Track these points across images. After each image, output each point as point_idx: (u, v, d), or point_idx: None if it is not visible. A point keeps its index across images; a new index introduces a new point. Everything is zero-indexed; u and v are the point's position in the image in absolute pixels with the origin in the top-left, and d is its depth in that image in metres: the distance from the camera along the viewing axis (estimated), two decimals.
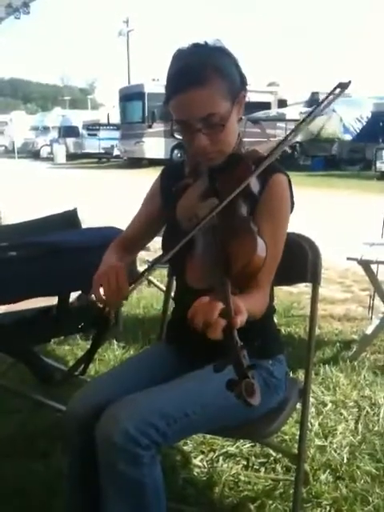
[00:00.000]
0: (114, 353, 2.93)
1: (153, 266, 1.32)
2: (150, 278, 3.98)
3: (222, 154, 1.34)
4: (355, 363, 2.79)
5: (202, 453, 2.04)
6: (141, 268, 3.74)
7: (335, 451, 2.02)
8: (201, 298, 1.05)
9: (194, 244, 1.25)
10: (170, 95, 1.29)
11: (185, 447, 2.04)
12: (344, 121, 17.33)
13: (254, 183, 1.30)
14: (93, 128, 27.24)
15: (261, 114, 18.19)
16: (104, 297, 1.31)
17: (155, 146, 19.26)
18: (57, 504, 1.69)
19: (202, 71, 1.24)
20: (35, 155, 29.83)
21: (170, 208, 1.43)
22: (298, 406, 1.64)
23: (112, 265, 1.36)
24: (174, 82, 1.28)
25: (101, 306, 1.34)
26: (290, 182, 1.38)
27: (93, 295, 1.34)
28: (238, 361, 0.95)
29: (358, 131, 17.19)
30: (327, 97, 1.26)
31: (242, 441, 2.04)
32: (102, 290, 1.31)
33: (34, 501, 1.75)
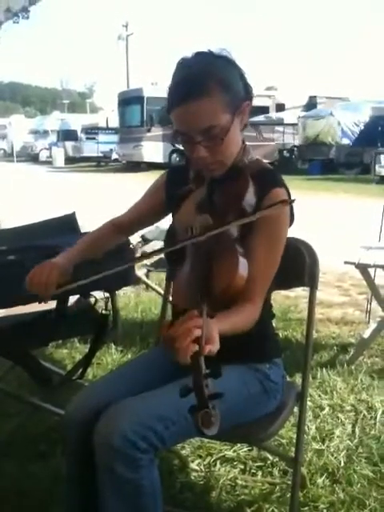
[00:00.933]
0: (112, 357, 2.93)
1: (100, 274, 1.34)
2: (149, 281, 3.99)
3: (222, 165, 1.34)
4: (352, 367, 2.80)
5: (200, 457, 2.04)
6: (139, 272, 3.77)
7: (332, 455, 2.03)
8: (185, 316, 1.07)
9: (184, 260, 1.29)
10: (171, 106, 1.29)
11: (182, 451, 2.04)
12: (342, 125, 17.37)
13: (248, 199, 1.30)
14: (91, 132, 27.25)
15: (261, 117, 18.25)
16: (30, 286, 1.41)
17: (154, 149, 19.29)
18: (55, 506, 1.69)
19: (204, 83, 1.24)
20: (34, 159, 29.85)
21: (173, 212, 1.47)
22: (295, 409, 1.65)
23: (54, 262, 1.45)
24: (176, 93, 1.28)
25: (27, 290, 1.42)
26: (289, 195, 1.37)
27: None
28: (200, 389, 0.95)
29: (356, 135, 17.23)
30: (268, 208, 1.24)
31: (239, 445, 2.05)
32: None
33: (32, 503, 1.75)
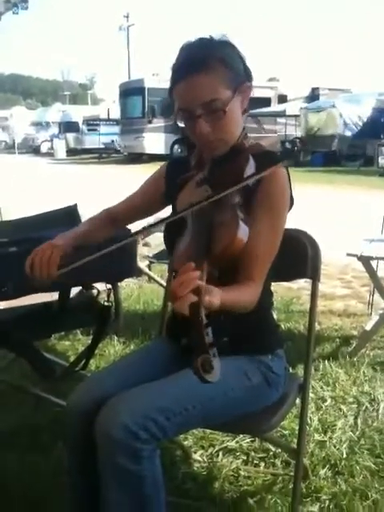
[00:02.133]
0: (114, 348, 2.94)
1: (96, 253, 1.31)
2: (151, 273, 3.99)
3: (224, 144, 1.34)
4: (355, 359, 2.80)
5: (202, 448, 2.05)
6: (141, 264, 3.77)
7: (334, 446, 2.03)
8: (185, 266, 1.07)
9: (184, 230, 1.28)
10: (173, 83, 1.32)
11: (185, 442, 2.05)
12: (344, 116, 17.28)
13: (248, 172, 1.29)
14: (93, 123, 27.18)
15: (264, 110, 18.18)
16: (31, 268, 1.36)
17: (155, 141, 19.24)
18: (57, 497, 1.70)
19: (205, 59, 1.27)
20: (35, 151, 29.80)
21: (173, 199, 1.45)
22: (298, 401, 1.65)
23: (54, 243, 1.40)
24: (178, 71, 1.31)
25: (27, 274, 1.37)
26: (289, 177, 1.38)
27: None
28: (200, 337, 0.96)
29: (359, 128, 17.14)
30: (264, 171, 1.24)
31: (241, 436, 2.05)
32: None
33: (34, 494, 1.76)
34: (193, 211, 1.24)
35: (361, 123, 17.19)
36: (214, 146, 1.34)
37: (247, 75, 1.36)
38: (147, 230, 1.29)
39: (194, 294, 1.02)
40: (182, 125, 1.36)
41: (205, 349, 0.94)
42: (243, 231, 1.21)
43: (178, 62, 1.33)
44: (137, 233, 1.31)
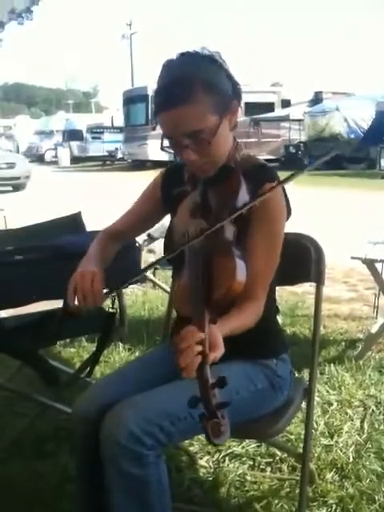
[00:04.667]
0: (119, 355, 2.94)
1: (129, 281, 1.34)
2: (155, 279, 4.00)
3: (214, 165, 1.33)
4: (360, 362, 2.79)
5: (208, 453, 2.04)
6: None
7: (341, 450, 2.03)
8: (184, 332, 1.07)
9: (183, 264, 1.28)
10: (157, 110, 1.29)
11: (191, 448, 2.05)
12: (348, 120, 17.28)
13: (241, 199, 1.28)
14: (97, 131, 27.27)
15: (268, 115, 18.21)
16: (76, 302, 1.33)
17: (159, 148, 19.20)
18: (63, 504, 1.70)
19: (189, 87, 1.23)
20: (40, 159, 29.89)
21: (171, 212, 1.46)
22: (303, 405, 1.65)
23: (89, 270, 1.37)
24: (161, 98, 1.27)
25: (71, 308, 1.36)
26: (284, 189, 1.36)
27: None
28: (208, 400, 0.97)
29: (363, 131, 17.11)
30: (257, 197, 1.20)
31: (247, 441, 2.05)
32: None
33: (42, 501, 1.76)
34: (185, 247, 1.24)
35: (364, 126, 17.18)
36: (204, 169, 1.33)
37: (235, 93, 1.32)
38: (150, 268, 1.32)
39: (198, 356, 1.03)
40: (169, 150, 1.34)
41: (213, 413, 0.95)
42: (241, 272, 1.21)
43: (159, 87, 1.28)
44: (143, 270, 1.33)
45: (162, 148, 1.36)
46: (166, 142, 1.33)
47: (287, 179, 1.12)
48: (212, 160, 1.32)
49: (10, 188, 13.84)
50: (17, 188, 13.98)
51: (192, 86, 1.23)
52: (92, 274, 1.35)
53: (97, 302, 1.34)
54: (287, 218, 1.38)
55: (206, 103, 1.24)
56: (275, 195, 1.31)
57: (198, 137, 1.26)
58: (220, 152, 1.32)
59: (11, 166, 13.88)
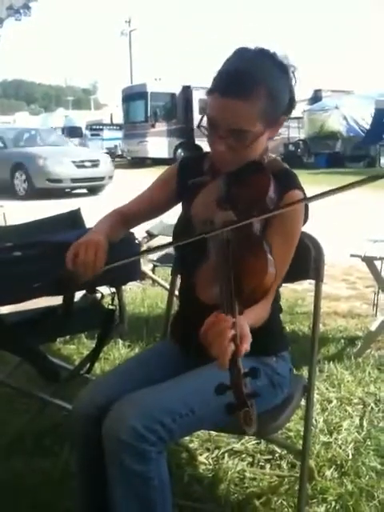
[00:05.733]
0: (119, 351, 2.94)
1: (141, 253, 1.31)
2: (155, 277, 4.00)
3: (239, 163, 1.33)
4: (360, 360, 2.79)
5: (208, 450, 2.05)
6: (145, 268, 3.77)
7: (340, 447, 2.03)
8: (214, 317, 1.06)
9: (206, 254, 1.24)
10: (213, 89, 1.27)
11: (190, 444, 2.05)
12: (347, 118, 17.28)
13: (271, 196, 1.28)
14: (96, 128, 27.24)
15: None
16: (75, 264, 1.31)
17: (158, 145, 19.26)
18: (64, 501, 1.70)
19: (253, 86, 1.22)
20: None
21: (186, 202, 1.44)
22: (303, 402, 1.65)
23: (97, 240, 1.36)
24: (222, 83, 1.26)
25: (68, 270, 1.32)
26: (305, 196, 1.37)
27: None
28: (239, 389, 0.96)
29: (363, 129, 17.10)
30: (287, 205, 1.24)
31: (247, 438, 2.05)
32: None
33: (43, 498, 1.76)
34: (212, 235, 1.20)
35: (364, 124, 17.18)
36: (227, 164, 1.34)
37: (289, 108, 1.32)
38: (170, 246, 1.28)
39: (231, 342, 1.01)
40: (204, 131, 1.32)
41: (244, 403, 0.95)
42: (272, 264, 1.18)
43: (226, 70, 1.27)
44: (163, 246, 1.30)
45: (199, 126, 1.32)
46: (204, 121, 1.30)
47: (318, 196, 1.15)
48: (240, 159, 1.32)
49: (85, 191, 12.12)
50: (94, 191, 12.04)
51: (257, 87, 1.23)
52: (96, 244, 1.33)
53: (92, 272, 1.31)
54: (303, 225, 1.40)
55: (261, 109, 1.24)
56: (297, 206, 1.33)
57: (240, 136, 1.26)
58: (251, 156, 1.33)
59: (95, 163, 12.01)
